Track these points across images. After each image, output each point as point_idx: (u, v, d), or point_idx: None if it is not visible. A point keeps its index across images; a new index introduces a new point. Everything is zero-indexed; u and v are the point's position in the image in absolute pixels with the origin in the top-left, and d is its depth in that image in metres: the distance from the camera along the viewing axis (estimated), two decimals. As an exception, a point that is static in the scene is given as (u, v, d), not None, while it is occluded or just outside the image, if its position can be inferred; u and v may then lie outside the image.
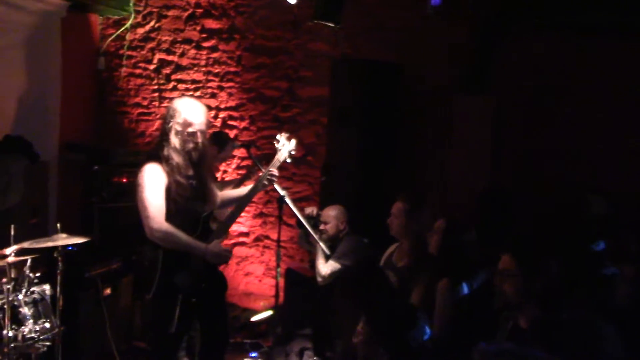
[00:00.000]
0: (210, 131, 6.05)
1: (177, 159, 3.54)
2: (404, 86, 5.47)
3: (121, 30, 6.61)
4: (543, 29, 5.36)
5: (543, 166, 5.42)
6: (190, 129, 3.56)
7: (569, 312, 2.48)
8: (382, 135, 5.30)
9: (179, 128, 3.56)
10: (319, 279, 4.44)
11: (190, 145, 3.57)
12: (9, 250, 3.46)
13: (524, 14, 5.35)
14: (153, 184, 3.50)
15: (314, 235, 4.42)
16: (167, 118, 3.62)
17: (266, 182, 3.80)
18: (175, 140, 3.56)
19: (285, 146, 3.83)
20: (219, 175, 6.04)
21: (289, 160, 3.88)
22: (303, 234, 4.78)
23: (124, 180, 5.33)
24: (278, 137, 3.87)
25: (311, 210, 4.72)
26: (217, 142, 5.28)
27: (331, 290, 4.51)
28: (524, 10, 5.32)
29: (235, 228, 6.28)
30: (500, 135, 5.49)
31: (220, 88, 6.40)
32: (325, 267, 4.45)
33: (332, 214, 4.67)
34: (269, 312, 5.99)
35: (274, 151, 3.90)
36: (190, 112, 3.59)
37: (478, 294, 3.73)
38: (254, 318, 5.98)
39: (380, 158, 5.28)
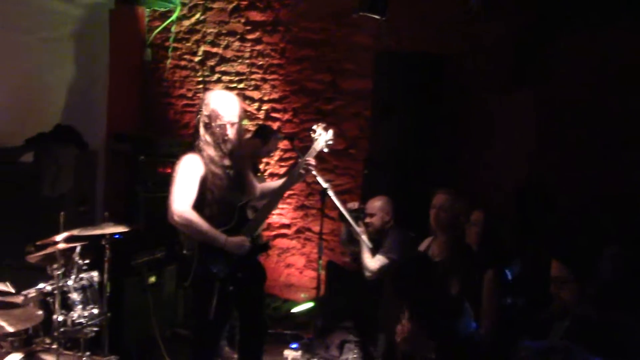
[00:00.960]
0: (252, 124, 6.13)
1: (208, 150, 3.60)
2: (447, 79, 5.41)
3: (167, 22, 6.70)
4: (587, 24, 5.22)
5: (587, 162, 5.29)
6: (219, 122, 3.60)
7: (623, 314, 2.43)
8: (424, 128, 5.25)
9: (207, 120, 3.61)
10: (368, 274, 4.42)
11: (220, 137, 3.61)
12: (59, 238, 3.55)
13: (568, 8, 5.23)
14: (186, 173, 3.55)
15: (357, 229, 4.41)
16: (199, 110, 3.68)
17: (303, 172, 3.81)
18: (205, 132, 3.62)
19: (322, 136, 3.85)
20: (261, 167, 6.08)
21: (325, 150, 3.89)
22: (346, 231, 4.76)
23: (168, 171, 5.38)
24: (315, 127, 3.89)
25: (352, 204, 4.71)
26: (262, 135, 5.32)
27: (373, 283, 4.51)
28: (568, 4, 5.19)
29: (276, 220, 6.33)
30: (543, 130, 5.38)
31: (264, 80, 6.43)
32: (374, 261, 4.44)
33: (377, 205, 4.65)
34: (310, 304, 6.01)
35: (310, 140, 3.92)
36: (219, 105, 3.63)
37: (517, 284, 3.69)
38: (295, 309, 6.01)
39: (422, 151, 5.22)
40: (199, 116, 3.66)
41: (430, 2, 5.72)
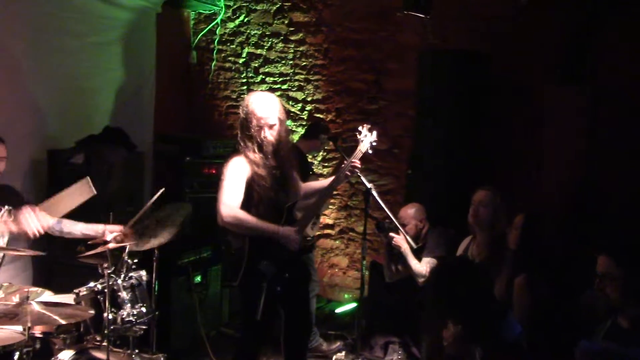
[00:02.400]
0: (295, 125, 6.14)
1: (249, 152, 3.63)
2: (494, 77, 5.32)
3: (212, 25, 6.79)
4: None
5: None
6: (256, 123, 3.62)
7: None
8: (470, 128, 5.18)
9: (246, 122, 3.65)
10: (420, 280, 4.38)
11: (259, 139, 3.63)
12: (110, 237, 3.62)
13: (622, 1, 5.08)
14: (233, 175, 3.60)
15: (399, 227, 4.37)
16: (241, 112, 3.72)
17: (348, 173, 3.80)
18: (244, 134, 3.65)
19: (367, 137, 3.83)
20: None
21: (370, 152, 3.87)
22: (386, 252, 4.72)
23: (213, 172, 5.46)
24: (360, 128, 3.88)
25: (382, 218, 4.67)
26: (313, 133, 5.33)
27: (416, 284, 4.48)
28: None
29: (320, 220, 6.33)
30: (595, 128, 5.25)
31: (307, 81, 6.45)
32: (422, 265, 4.40)
33: (410, 214, 4.62)
34: (354, 305, 6.01)
35: (354, 141, 3.91)
36: (258, 106, 3.65)
37: (564, 290, 3.61)
38: (338, 310, 6.01)
39: (468, 151, 5.16)
40: (241, 118, 3.70)
41: (476, -1, 5.66)
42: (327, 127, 5.61)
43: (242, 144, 3.67)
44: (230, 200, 3.55)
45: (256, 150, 3.64)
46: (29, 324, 3.06)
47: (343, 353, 4.87)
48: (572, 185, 4.91)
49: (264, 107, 3.66)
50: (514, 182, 5.31)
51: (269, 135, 3.65)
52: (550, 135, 5.23)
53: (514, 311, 3.52)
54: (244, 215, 3.55)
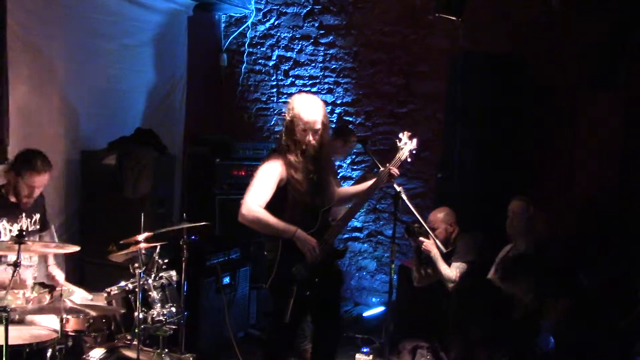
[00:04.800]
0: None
1: (290, 154, 3.61)
2: (526, 81, 5.26)
3: (242, 27, 6.83)
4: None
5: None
6: (304, 126, 3.59)
7: None
8: (501, 132, 5.13)
9: (290, 125, 3.62)
10: (450, 285, 4.35)
11: (305, 142, 3.61)
12: (141, 237, 3.66)
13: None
14: (265, 176, 3.59)
15: (429, 231, 4.34)
16: (285, 114, 3.70)
17: (385, 181, 3.77)
18: (287, 137, 3.63)
19: (407, 145, 3.78)
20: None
21: (409, 160, 3.83)
22: (415, 259, 4.69)
23: (243, 174, 5.49)
24: (400, 135, 3.82)
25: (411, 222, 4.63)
26: (342, 135, 5.31)
27: (446, 290, 4.44)
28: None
29: (349, 223, 6.31)
30: (631, 134, 5.15)
31: (337, 84, 6.45)
32: (452, 270, 4.36)
33: (439, 217, 4.57)
34: (382, 308, 5.98)
35: (392, 147, 3.87)
36: (305, 109, 3.62)
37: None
38: (366, 313, 5.99)
39: (499, 155, 5.10)
40: (285, 120, 3.68)
41: (508, 1, 5.59)
42: (349, 130, 5.58)
43: (284, 146, 3.64)
44: (254, 198, 3.54)
45: (298, 154, 3.61)
46: (64, 315, 3.15)
47: (370, 357, 4.83)
48: (605, 190, 4.82)
49: (310, 111, 3.63)
50: (547, 185, 5.24)
51: (313, 139, 3.63)
52: (583, 138, 5.15)
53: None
54: (262, 214, 3.52)
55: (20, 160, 3.84)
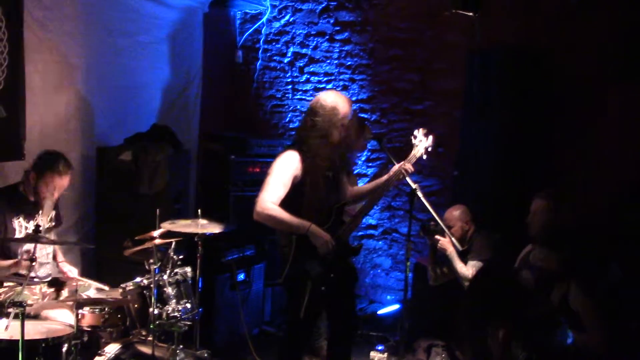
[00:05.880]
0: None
1: (312, 150, 3.59)
2: (545, 76, 5.19)
3: (258, 24, 6.82)
4: None
5: None
6: (339, 121, 3.59)
7: None
8: (519, 128, 5.07)
9: (316, 121, 3.59)
10: (466, 283, 4.31)
11: (327, 139, 3.60)
12: (156, 233, 3.67)
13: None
14: (281, 170, 3.57)
15: (445, 229, 4.30)
16: (316, 110, 3.64)
17: (400, 177, 3.74)
18: (312, 132, 3.60)
19: (422, 142, 3.75)
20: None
21: (424, 157, 3.79)
22: (431, 257, 4.66)
23: (257, 170, 5.49)
24: (415, 132, 3.79)
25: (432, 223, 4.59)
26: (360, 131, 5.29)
27: (462, 288, 4.41)
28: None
29: (364, 221, 6.28)
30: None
31: (352, 80, 6.42)
32: (468, 268, 4.33)
33: (455, 215, 4.54)
34: (396, 306, 5.96)
35: (407, 145, 3.83)
36: (342, 103, 3.62)
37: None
38: (381, 311, 5.97)
39: (519, 151, 5.03)
40: (308, 115, 3.66)
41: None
42: (363, 124, 5.54)
43: (305, 141, 3.62)
44: (268, 196, 3.52)
45: (320, 149, 3.60)
46: (80, 310, 3.18)
47: (385, 355, 4.82)
48: (631, 184, 4.72)
49: (346, 104, 3.64)
50: (568, 183, 5.16)
51: (337, 136, 3.62)
52: (606, 133, 5.05)
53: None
54: (276, 212, 3.50)
55: (42, 161, 3.87)
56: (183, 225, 3.98)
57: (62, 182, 3.84)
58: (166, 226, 3.81)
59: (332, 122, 3.58)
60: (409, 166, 3.70)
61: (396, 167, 3.76)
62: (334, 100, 3.63)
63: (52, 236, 4.06)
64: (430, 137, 3.75)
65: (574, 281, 3.51)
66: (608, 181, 4.95)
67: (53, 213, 4.08)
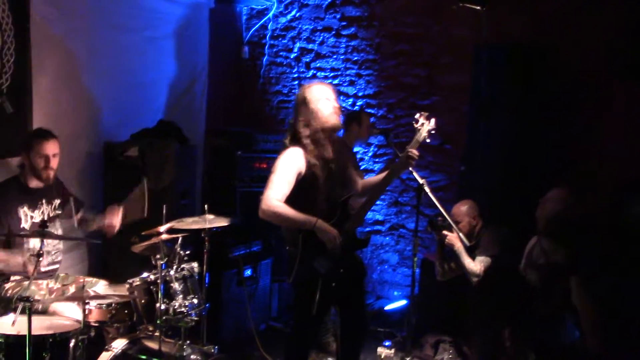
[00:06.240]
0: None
1: (309, 143, 3.57)
2: (552, 71, 5.16)
3: (264, 20, 6.80)
4: None
5: None
6: (319, 115, 3.57)
7: None
8: (526, 124, 5.05)
9: (307, 114, 3.58)
10: (474, 279, 4.29)
11: (321, 131, 3.58)
12: (163, 229, 3.66)
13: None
14: (285, 167, 3.54)
15: (452, 224, 4.27)
16: (297, 103, 3.66)
17: (405, 164, 3.70)
18: (305, 126, 3.59)
19: (425, 126, 3.66)
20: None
21: (428, 141, 3.71)
22: (438, 252, 4.64)
23: (264, 166, 5.48)
24: (417, 116, 3.72)
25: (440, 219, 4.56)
26: (354, 118, 5.30)
27: (469, 284, 4.39)
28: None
29: (370, 216, 6.28)
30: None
31: (359, 76, 6.40)
32: (476, 264, 4.30)
33: (463, 210, 4.51)
34: (404, 302, 5.95)
35: (413, 133, 3.78)
36: (318, 98, 3.60)
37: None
38: (388, 307, 5.96)
39: (525, 147, 5.02)
40: (298, 110, 3.65)
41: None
42: (359, 112, 5.53)
43: (301, 135, 3.59)
44: (274, 193, 3.49)
45: (316, 142, 3.58)
46: (87, 305, 3.20)
47: (392, 350, 4.81)
48: (637, 180, 4.69)
49: (327, 98, 3.62)
50: (574, 179, 5.13)
51: (331, 126, 3.61)
52: (612, 129, 5.03)
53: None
54: (282, 209, 3.47)
55: (26, 139, 3.96)
56: (191, 223, 3.97)
57: (50, 146, 3.88)
58: (174, 225, 3.81)
59: (316, 114, 3.57)
60: (413, 151, 3.64)
61: (402, 155, 3.70)
62: (312, 91, 3.63)
63: (58, 225, 4.06)
64: (432, 120, 3.66)
65: (575, 278, 3.49)
66: (613, 177, 4.92)
67: (57, 202, 4.07)
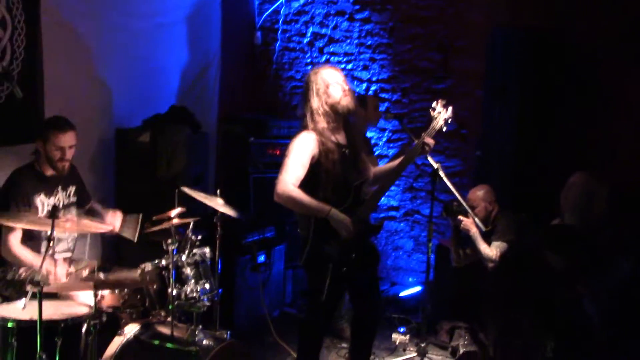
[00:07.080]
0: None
1: (322, 127, 3.55)
2: (568, 56, 5.06)
3: (276, 4, 6.73)
4: None
5: None
6: (331, 98, 3.57)
7: None
8: (542, 108, 4.97)
9: (319, 98, 3.57)
10: (490, 265, 4.24)
11: (333, 115, 3.57)
12: (174, 213, 3.64)
13: None
14: (299, 151, 3.53)
15: (468, 209, 4.22)
16: (309, 88, 3.63)
17: (420, 151, 3.66)
18: (317, 110, 3.57)
19: (442, 114, 3.64)
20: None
21: (444, 129, 3.69)
22: (453, 237, 4.58)
23: (277, 152, 5.44)
24: (434, 104, 3.69)
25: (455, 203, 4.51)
26: (359, 102, 5.23)
27: (485, 270, 4.34)
28: None
29: (385, 202, 6.23)
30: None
31: (373, 60, 6.33)
32: (492, 249, 4.25)
33: (479, 195, 4.46)
34: (418, 288, 5.91)
35: (429, 120, 3.74)
36: (330, 81, 3.59)
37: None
38: (403, 293, 5.92)
39: (540, 132, 4.95)
40: (308, 94, 3.62)
41: (551, -27, 5.38)
42: (365, 95, 5.45)
43: (314, 119, 3.58)
44: (288, 177, 3.50)
45: (328, 125, 3.57)
46: (98, 292, 3.19)
47: (407, 337, 4.77)
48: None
49: (337, 81, 3.61)
50: (589, 165, 5.04)
51: (343, 110, 3.59)
52: (629, 116, 4.94)
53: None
54: (296, 194, 3.47)
55: (43, 127, 3.91)
56: (203, 197, 3.93)
57: (67, 138, 3.83)
58: (186, 190, 3.78)
59: (328, 97, 3.56)
60: (429, 139, 3.61)
61: (417, 141, 3.66)
62: (323, 75, 3.63)
63: (73, 212, 4.05)
64: (450, 108, 3.63)
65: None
66: (628, 165, 4.84)
67: (73, 189, 4.06)
